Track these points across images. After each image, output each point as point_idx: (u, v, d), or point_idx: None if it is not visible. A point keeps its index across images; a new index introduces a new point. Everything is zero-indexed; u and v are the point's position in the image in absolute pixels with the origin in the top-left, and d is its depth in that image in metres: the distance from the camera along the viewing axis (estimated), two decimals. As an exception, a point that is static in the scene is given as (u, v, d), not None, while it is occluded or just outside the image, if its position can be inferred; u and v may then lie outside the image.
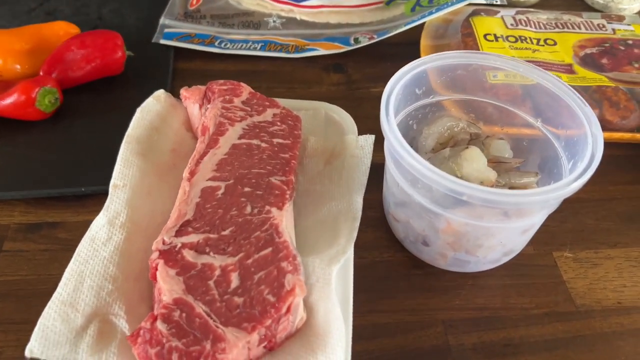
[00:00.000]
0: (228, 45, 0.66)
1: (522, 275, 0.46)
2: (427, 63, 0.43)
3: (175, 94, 0.55)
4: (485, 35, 0.61)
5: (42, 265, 0.45)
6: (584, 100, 0.41)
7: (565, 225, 0.49)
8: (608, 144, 0.55)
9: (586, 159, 0.37)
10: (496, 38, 0.60)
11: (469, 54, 0.45)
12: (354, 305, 0.40)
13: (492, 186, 0.41)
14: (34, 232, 0.47)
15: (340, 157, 0.51)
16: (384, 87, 0.42)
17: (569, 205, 0.49)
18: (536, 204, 0.36)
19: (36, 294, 0.42)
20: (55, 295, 0.39)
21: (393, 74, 0.43)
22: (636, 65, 0.58)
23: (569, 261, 0.47)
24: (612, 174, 0.54)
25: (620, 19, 0.65)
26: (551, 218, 0.45)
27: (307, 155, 0.52)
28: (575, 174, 0.37)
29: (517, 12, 0.66)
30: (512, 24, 0.63)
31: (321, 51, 0.65)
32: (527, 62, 0.44)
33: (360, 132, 0.52)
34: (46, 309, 0.37)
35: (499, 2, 0.63)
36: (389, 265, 0.46)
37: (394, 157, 0.39)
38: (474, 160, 0.41)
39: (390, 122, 0.39)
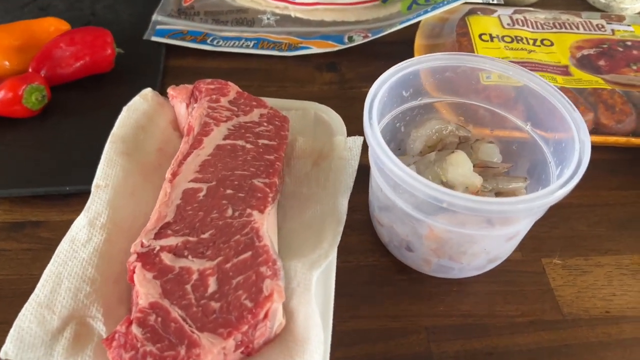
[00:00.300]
0: (220, 43, 0.65)
1: (509, 281, 0.45)
2: (413, 65, 0.43)
3: (166, 92, 0.54)
4: (480, 35, 0.59)
5: (25, 264, 0.44)
6: (574, 105, 0.40)
7: (556, 231, 0.48)
8: (603, 148, 0.54)
9: (572, 165, 0.36)
10: (491, 38, 0.59)
11: (457, 56, 0.44)
12: (336, 310, 0.40)
13: (477, 192, 0.40)
14: (18, 231, 0.46)
15: (328, 158, 0.50)
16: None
17: (560, 210, 0.48)
18: (518, 213, 0.35)
19: (17, 294, 0.42)
20: (32, 296, 0.38)
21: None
22: (634, 68, 0.56)
23: (557, 268, 0.46)
24: (606, 178, 0.53)
25: (620, 19, 0.64)
26: (541, 224, 0.44)
27: (295, 156, 0.51)
28: (561, 182, 0.36)
29: (515, 12, 0.64)
30: (508, 24, 0.62)
31: (314, 49, 0.65)
32: (517, 65, 0.43)
33: (351, 133, 0.51)
34: (23, 310, 0.37)
35: (495, 1, 0.62)
36: (374, 269, 0.45)
37: (376, 161, 0.38)
38: (460, 165, 0.41)
39: (373, 126, 0.38)
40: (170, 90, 0.52)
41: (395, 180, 0.36)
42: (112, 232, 0.42)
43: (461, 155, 0.41)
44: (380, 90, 0.41)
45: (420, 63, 0.43)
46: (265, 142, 0.47)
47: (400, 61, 0.44)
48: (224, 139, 0.47)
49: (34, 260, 0.45)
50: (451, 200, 0.34)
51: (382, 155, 0.36)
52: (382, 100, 0.42)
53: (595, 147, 0.53)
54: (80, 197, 0.49)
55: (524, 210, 0.34)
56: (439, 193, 0.34)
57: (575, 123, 0.39)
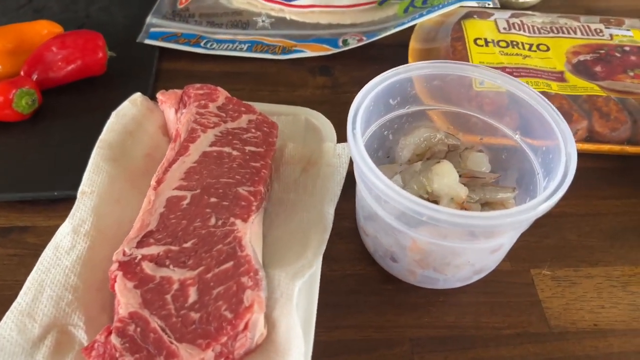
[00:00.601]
0: (214, 46, 0.65)
1: (497, 292, 0.44)
2: (399, 74, 0.42)
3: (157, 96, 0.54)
4: (475, 40, 0.59)
5: (10, 270, 0.44)
6: (561, 116, 0.39)
7: (546, 241, 0.48)
8: (597, 156, 0.53)
9: (558, 178, 0.36)
10: (486, 43, 0.58)
11: (444, 64, 0.43)
12: (321, 320, 0.39)
13: (462, 202, 0.40)
14: (4, 236, 0.46)
15: (317, 165, 0.50)
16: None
17: (551, 219, 0.47)
18: (499, 227, 0.35)
19: (1, 301, 0.42)
20: (15, 304, 0.38)
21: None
22: (631, 74, 0.55)
23: (546, 279, 0.45)
24: (599, 187, 0.52)
25: (619, 23, 0.63)
26: (531, 233, 0.44)
27: (284, 162, 0.51)
28: (545, 195, 0.35)
29: (512, 15, 0.63)
30: (504, 28, 0.61)
31: (308, 53, 0.64)
32: (504, 74, 0.43)
33: (342, 138, 0.51)
34: (4, 318, 0.37)
35: (491, 5, 0.61)
36: (360, 278, 0.45)
37: (358, 172, 0.38)
38: (445, 175, 0.40)
39: (355, 136, 0.38)
40: (159, 95, 0.52)
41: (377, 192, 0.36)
42: (96, 240, 0.42)
43: (447, 165, 0.41)
44: (365, 100, 0.40)
45: (407, 72, 0.43)
46: (252, 148, 0.47)
47: (394, 65, 0.44)
48: (211, 145, 0.46)
49: (19, 266, 0.45)
50: (431, 214, 0.33)
51: (362, 166, 0.36)
52: (368, 110, 0.41)
53: (589, 155, 0.53)
54: (68, 202, 0.48)
55: (505, 225, 0.34)
56: (419, 207, 0.33)
57: (563, 134, 0.38)
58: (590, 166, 0.53)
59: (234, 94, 0.54)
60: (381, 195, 0.35)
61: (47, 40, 0.56)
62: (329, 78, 0.63)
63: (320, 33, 0.67)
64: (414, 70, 0.43)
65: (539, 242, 0.48)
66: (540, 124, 0.41)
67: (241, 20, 0.69)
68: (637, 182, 0.52)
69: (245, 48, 0.65)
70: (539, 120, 0.40)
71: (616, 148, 0.52)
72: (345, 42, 0.65)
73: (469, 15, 0.63)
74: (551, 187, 0.36)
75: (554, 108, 0.40)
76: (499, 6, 0.62)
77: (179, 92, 0.52)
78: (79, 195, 0.45)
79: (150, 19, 0.67)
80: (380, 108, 0.43)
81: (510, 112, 0.45)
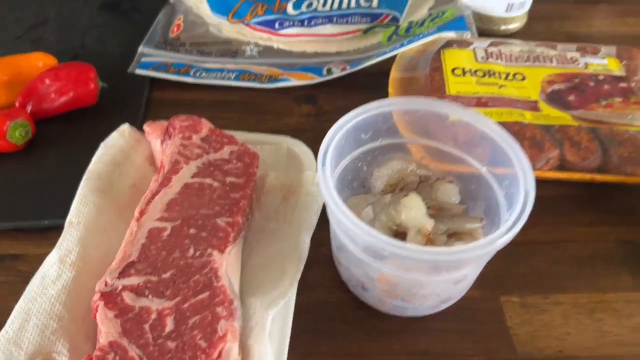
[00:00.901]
0: (203, 74, 0.67)
1: (466, 319, 0.46)
2: (369, 110, 0.44)
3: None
4: (453, 70, 0.61)
5: (2, 297, 0.47)
6: (523, 152, 0.41)
7: (516, 269, 0.49)
8: (568, 184, 0.55)
9: (515, 214, 0.37)
10: (464, 72, 0.60)
11: (413, 100, 0.45)
12: (295, 346, 0.41)
13: (428, 234, 0.42)
14: (-4, 264, 0.49)
15: (296, 194, 0.52)
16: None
17: (521, 247, 0.49)
18: (459, 262, 0.37)
19: (-8, 327, 0.44)
20: (2, 332, 0.41)
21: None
22: (603, 103, 0.57)
23: (515, 306, 0.47)
24: (570, 214, 0.53)
25: (595, 51, 0.64)
26: (501, 260, 0.45)
27: (266, 192, 0.53)
28: (503, 229, 0.37)
29: (491, 44, 0.65)
30: (482, 57, 0.63)
31: (293, 82, 0.66)
32: (471, 109, 0.45)
33: (322, 167, 0.53)
34: (-8, 346, 0.39)
35: (469, 35, 0.63)
36: (334, 306, 0.47)
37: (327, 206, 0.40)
38: (413, 208, 0.42)
39: (325, 174, 0.40)
40: (146, 127, 0.54)
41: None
42: (82, 270, 0.44)
43: (414, 198, 0.42)
44: (336, 136, 0.43)
45: (378, 108, 0.45)
46: (233, 179, 0.49)
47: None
48: (193, 177, 0.48)
49: (10, 293, 0.46)
50: (392, 250, 0.35)
51: (330, 202, 0.38)
52: (340, 145, 0.43)
53: (561, 183, 0.55)
54: (58, 230, 0.51)
55: (465, 259, 0.36)
56: (381, 243, 0.35)
57: (523, 170, 0.40)
58: (561, 194, 0.55)
59: (222, 122, 0.56)
60: (346, 230, 0.37)
61: (41, 73, 0.59)
62: (314, 106, 0.65)
63: (306, 61, 0.70)
64: (384, 106, 0.45)
65: (508, 269, 0.49)
66: (503, 158, 0.42)
67: (230, 49, 0.71)
68: (605, 209, 0.54)
69: (233, 77, 0.67)
70: (503, 154, 0.42)
71: (586, 176, 0.53)
72: (329, 71, 0.67)
73: (449, 44, 0.65)
74: (510, 221, 0.37)
75: (517, 143, 0.42)
76: (477, 36, 0.64)
77: (165, 123, 0.54)
78: (66, 225, 0.47)
79: (142, 49, 0.69)
80: (352, 143, 0.45)
81: (481, 144, 0.47)
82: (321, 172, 0.40)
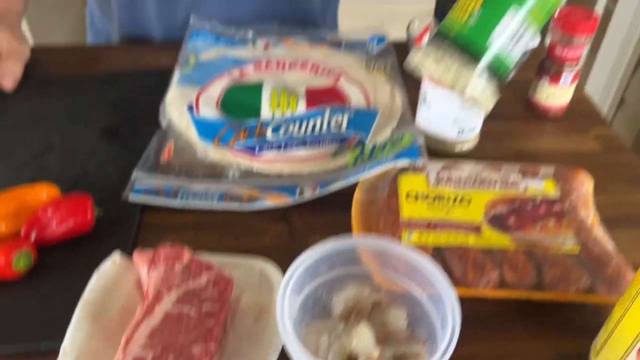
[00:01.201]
0: (189, 197, 0.75)
1: None
2: (318, 253, 0.52)
3: (139, 248, 0.63)
4: (407, 195, 0.69)
5: (-1, 420, 0.52)
6: (453, 289, 0.48)
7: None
8: (508, 301, 0.62)
9: (443, 347, 0.44)
10: (416, 197, 0.69)
11: (351, 241, 0.53)
12: None
13: (375, 361, 0.48)
14: (-4, 388, 0.54)
15: (267, 314, 0.58)
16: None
17: (467, 363, 0.55)
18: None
19: None
20: None
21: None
22: (539, 226, 0.65)
23: (459, 420, 0.52)
24: (510, 329, 0.60)
25: (534, 173, 0.73)
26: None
27: (240, 311, 0.59)
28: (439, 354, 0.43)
29: (443, 167, 0.74)
30: (434, 181, 0.71)
31: (269, 204, 0.74)
32: (405, 245, 0.52)
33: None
34: None
35: (420, 165, 0.72)
36: None
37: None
38: (362, 337, 0.49)
39: (283, 310, 0.47)
40: (135, 256, 0.62)
41: None
42: (73, 396, 0.50)
43: (364, 329, 0.49)
44: (295, 273, 0.50)
45: (323, 250, 0.52)
46: (209, 306, 0.56)
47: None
48: (173, 305, 0.55)
49: (6, 416, 0.52)
50: (336, 383, 0.41)
51: (284, 335, 0.45)
52: (300, 279, 0.50)
53: (501, 301, 0.62)
54: (55, 353, 0.57)
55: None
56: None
57: (452, 305, 0.47)
58: (501, 310, 0.61)
59: (204, 243, 0.64)
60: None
61: (44, 205, 0.67)
62: (287, 225, 0.73)
63: (282, 182, 0.78)
64: (338, 245, 0.52)
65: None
66: (438, 292, 0.49)
67: (215, 172, 0.80)
68: (542, 323, 0.60)
69: (216, 198, 0.75)
70: (435, 291, 0.49)
71: (524, 294, 0.60)
72: (301, 192, 0.75)
73: (405, 169, 0.74)
74: (439, 353, 0.44)
75: (449, 282, 0.49)
76: (426, 163, 0.72)
77: (151, 253, 0.61)
78: (61, 352, 0.53)
79: (135, 174, 0.78)
80: (311, 275, 0.53)
81: (416, 274, 0.54)
82: (280, 309, 0.47)
